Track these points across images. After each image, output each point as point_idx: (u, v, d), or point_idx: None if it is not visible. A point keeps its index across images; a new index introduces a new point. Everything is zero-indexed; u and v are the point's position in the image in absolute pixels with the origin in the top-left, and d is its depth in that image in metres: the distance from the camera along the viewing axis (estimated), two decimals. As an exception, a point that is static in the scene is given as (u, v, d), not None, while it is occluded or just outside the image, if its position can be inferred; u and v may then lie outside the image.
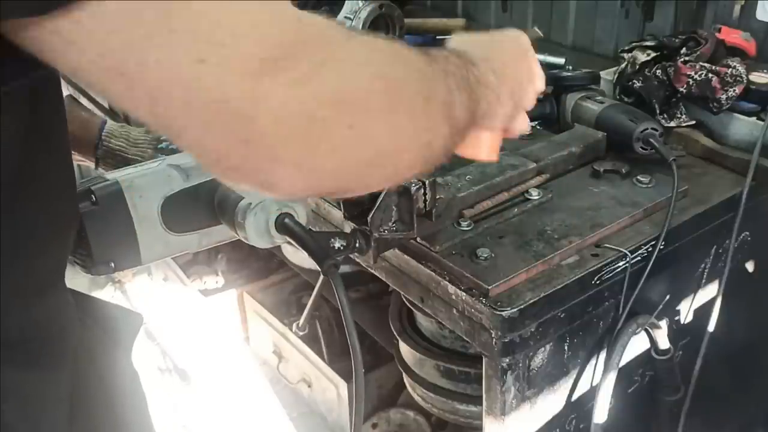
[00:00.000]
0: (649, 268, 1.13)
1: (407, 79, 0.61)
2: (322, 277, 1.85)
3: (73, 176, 0.70)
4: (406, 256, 1.12)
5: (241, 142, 0.51)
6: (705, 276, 1.33)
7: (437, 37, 2.12)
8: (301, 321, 1.95)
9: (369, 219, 0.95)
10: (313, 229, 0.82)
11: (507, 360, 1.05)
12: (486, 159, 0.91)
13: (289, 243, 0.78)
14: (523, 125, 0.91)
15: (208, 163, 0.54)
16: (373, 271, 1.23)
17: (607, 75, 1.54)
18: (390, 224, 0.99)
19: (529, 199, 1.19)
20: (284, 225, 0.77)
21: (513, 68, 0.85)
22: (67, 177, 0.68)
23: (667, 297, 1.24)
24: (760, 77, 1.39)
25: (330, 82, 0.52)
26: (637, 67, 1.45)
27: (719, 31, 1.52)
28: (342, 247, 0.88)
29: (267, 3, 0.52)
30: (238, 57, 0.48)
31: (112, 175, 0.81)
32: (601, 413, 1.18)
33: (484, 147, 0.89)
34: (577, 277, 1.06)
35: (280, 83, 0.50)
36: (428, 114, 0.64)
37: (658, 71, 1.41)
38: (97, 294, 0.82)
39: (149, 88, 0.48)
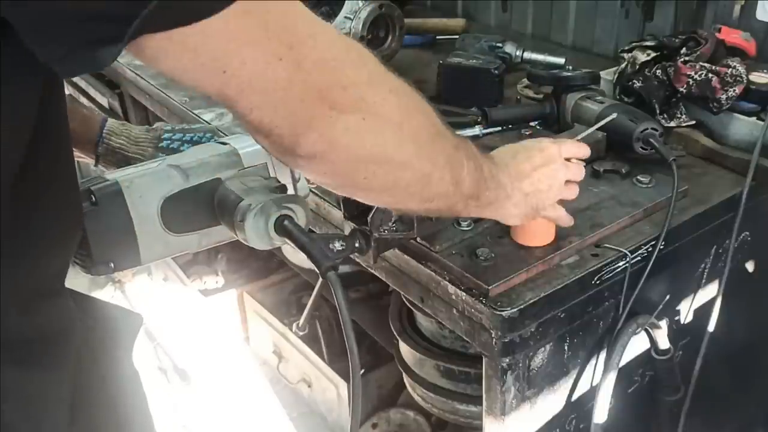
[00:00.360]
0: (649, 268, 1.13)
1: (420, 113, 0.74)
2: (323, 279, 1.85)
3: (76, 179, 0.70)
4: (406, 256, 1.12)
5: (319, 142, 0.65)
6: (705, 276, 1.33)
7: (437, 37, 2.12)
8: (301, 321, 1.95)
9: (369, 219, 0.95)
10: (313, 230, 0.82)
11: (507, 360, 1.05)
12: (541, 244, 1.08)
13: (288, 244, 0.78)
14: (554, 214, 1.03)
15: (274, 138, 0.64)
16: (373, 271, 1.23)
17: (607, 75, 1.54)
18: (390, 224, 0.99)
19: (529, 199, 1.19)
20: (284, 227, 0.77)
21: (531, 177, 0.96)
22: (71, 180, 0.68)
23: (667, 297, 1.24)
24: (760, 77, 1.39)
25: (357, 74, 0.66)
26: (637, 67, 1.44)
27: (719, 31, 1.52)
28: (341, 249, 0.88)
29: (345, 41, 0.67)
30: (305, 62, 0.61)
31: (112, 175, 0.81)
32: (601, 413, 1.18)
33: (536, 234, 1.08)
34: (577, 277, 1.06)
35: (342, 114, 0.65)
36: (432, 147, 0.77)
37: (658, 71, 1.41)
38: (97, 294, 0.82)
39: (241, 80, 0.59)
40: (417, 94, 0.75)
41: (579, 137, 1.22)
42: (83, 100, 2.46)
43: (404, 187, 0.76)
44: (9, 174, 0.57)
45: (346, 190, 0.79)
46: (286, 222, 0.77)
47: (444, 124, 0.79)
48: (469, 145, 0.85)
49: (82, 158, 1.11)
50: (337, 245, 0.88)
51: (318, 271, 0.73)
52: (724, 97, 1.34)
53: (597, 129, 1.28)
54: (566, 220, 1.06)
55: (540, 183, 0.97)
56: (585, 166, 1.05)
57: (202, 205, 0.83)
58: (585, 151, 1.05)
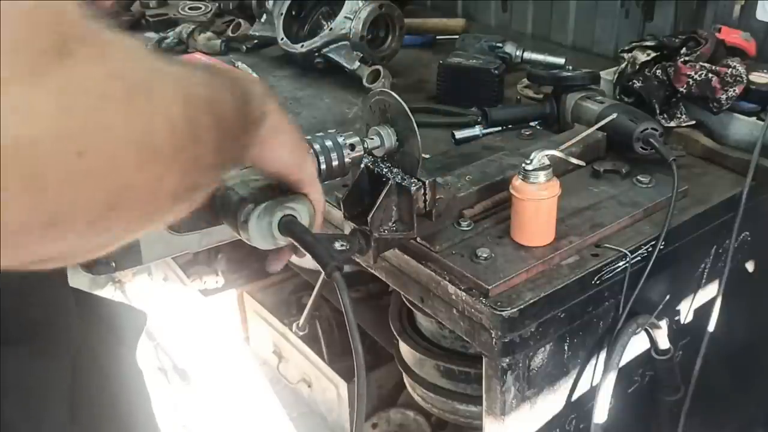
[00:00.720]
0: (649, 268, 1.13)
1: (156, 76, 0.47)
2: (322, 277, 1.85)
3: None
4: (406, 256, 1.12)
5: None
6: (705, 276, 1.33)
7: (437, 37, 2.13)
8: (301, 321, 1.95)
9: (369, 219, 0.95)
10: (316, 232, 0.82)
11: (507, 360, 1.05)
12: (541, 244, 1.06)
13: (293, 244, 0.78)
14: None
15: None
16: (373, 271, 1.23)
17: (607, 75, 1.54)
18: (390, 224, 0.99)
19: (529, 199, 1.19)
20: (287, 227, 0.77)
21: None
22: None
23: (667, 297, 1.24)
24: (760, 77, 1.39)
25: (49, 80, 0.38)
26: (637, 67, 1.45)
27: (719, 31, 1.52)
28: (344, 250, 0.88)
29: None
30: None
31: (113, 174, 0.81)
32: (601, 413, 1.19)
33: (536, 234, 1.06)
34: (577, 277, 1.06)
35: None
36: (189, 117, 0.48)
37: (658, 71, 1.41)
38: (98, 294, 0.82)
39: None
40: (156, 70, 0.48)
41: (579, 137, 1.23)
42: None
43: (169, 194, 0.49)
44: None
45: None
46: (290, 222, 0.77)
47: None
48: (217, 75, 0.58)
49: None
50: (340, 246, 0.88)
51: (323, 272, 0.73)
52: (724, 97, 1.34)
53: (597, 129, 1.28)
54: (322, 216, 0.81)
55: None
56: (585, 166, 1.06)
57: (204, 205, 0.83)
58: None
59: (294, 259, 0.88)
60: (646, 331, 1.23)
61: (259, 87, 0.67)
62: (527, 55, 1.83)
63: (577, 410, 1.23)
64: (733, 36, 1.51)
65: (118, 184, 0.42)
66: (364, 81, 1.73)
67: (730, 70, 1.34)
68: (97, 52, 0.41)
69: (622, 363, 1.18)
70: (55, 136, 0.38)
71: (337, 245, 0.88)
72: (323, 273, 0.74)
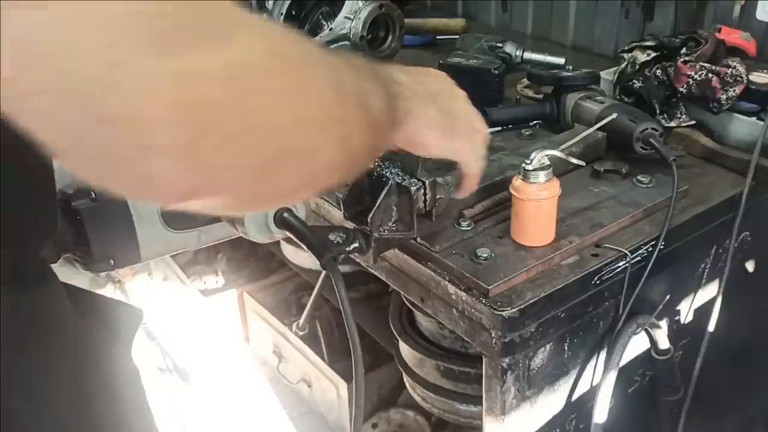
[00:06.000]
0: (649, 268, 1.12)
1: (309, 61, 0.52)
2: (322, 277, 1.85)
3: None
4: (406, 256, 1.12)
5: (99, 119, 0.39)
6: (705, 276, 1.33)
7: (437, 37, 2.13)
8: (301, 321, 1.96)
9: (369, 219, 0.95)
10: (313, 225, 0.82)
11: (507, 360, 1.05)
12: (541, 244, 1.07)
13: (288, 238, 0.78)
14: (475, 162, 0.91)
15: (62, 151, 0.42)
16: (373, 271, 1.23)
17: (607, 75, 1.54)
18: (390, 224, 0.99)
19: (529, 199, 1.19)
20: (283, 220, 0.77)
21: (426, 77, 0.82)
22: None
23: (667, 297, 1.24)
24: (760, 77, 1.39)
25: (215, 56, 0.43)
26: (637, 67, 1.45)
27: (719, 31, 1.52)
28: (341, 241, 0.88)
29: None
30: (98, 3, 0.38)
31: (112, 173, 0.81)
32: (601, 413, 1.18)
33: (536, 234, 1.04)
34: (577, 277, 1.06)
35: (147, 45, 0.39)
36: (341, 103, 0.54)
37: (658, 71, 1.41)
38: (99, 291, 0.82)
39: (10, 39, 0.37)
40: (287, 30, 0.52)
41: (579, 137, 1.23)
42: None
43: (325, 169, 0.55)
44: None
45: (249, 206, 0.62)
46: (285, 214, 0.77)
47: (321, 46, 0.61)
48: (355, 60, 0.64)
49: None
50: (337, 238, 0.88)
51: (318, 263, 0.73)
52: (724, 97, 1.34)
53: (597, 129, 1.28)
54: (474, 182, 0.92)
55: (436, 85, 0.83)
56: (585, 166, 1.05)
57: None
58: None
59: (294, 259, 0.89)
60: (646, 331, 1.23)
61: (401, 83, 0.74)
62: (527, 55, 1.83)
63: (577, 410, 1.23)
64: (733, 36, 1.51)
65: (281, 145, 0.48)
66: (364, 81, 1.72)
67: (730, 70, 1.34)
68: (257, 35, 0.47)
69: (622, 363, 1.18)
70: (229, 96, 0.43)
71: (335, 238, 0.88)
72: (322, 272, 0.74)
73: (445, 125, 0.82)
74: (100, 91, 0.38)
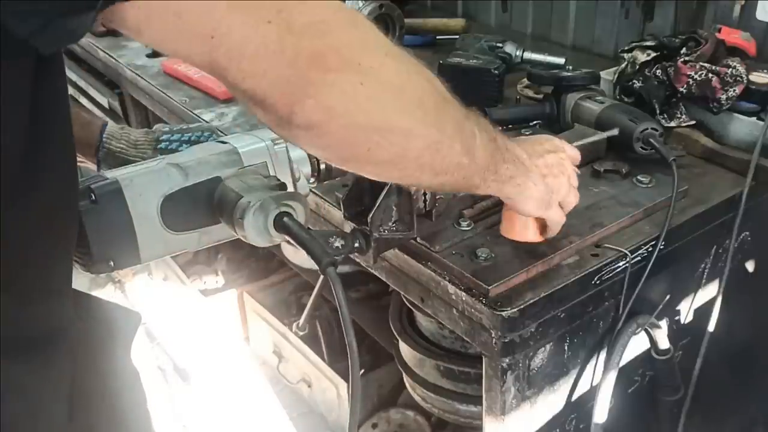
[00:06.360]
0: (649, 268, 1.12)
1: (422, 78, 0.71)
2: (322, 276, 1.85)
3: (77, 174, 0.69)
4: (406, 256, 1.12)
5: (285, 79, 0.61)
6: (705, 276, 1.33)
7: (437, 37, 2.12)
8: (301, 321, 1.95)
9: (369, 219, 0.95)
10: (312, 229, 0.82)
11: (507, 360, 1.05)
12: (533, 240, 1.05)
13: (288, 242, 0.78)
14: (565, 207, 1.00)
15: (282, 111, 0.62)
16: (373, 271, 1.22)
17: (607, 75, 1.54)
18: (390, 224, 0.99)
19: (529, 199, 1.19)
20: (283, 224, 0.77)
21: (545, 159, 0.94)
22: (71, 175, 0.67)
23: (667, 297, 1.24)
24: (760, 77, 1.39)
25: (349, 35, 0.64)
26: (637, 67, 1.44)
27: (719, 31, 1.52)
28: (341, 246, 0.88)
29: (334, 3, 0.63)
30: (294, 25, 0.59)
31: (112, 173, 0.81)
32: (601, 413, 1.18)
33: (531, 229, 1.03)
34: (577, 277, 1.06)
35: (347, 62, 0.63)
36: (438, 113, 0.72)
37: (658, 71, 1.41)
38: (98, 293, 0.82)
39: (231, 46, 0.58)
40: (418, 61, 0.71)
41: (579, 143, 1.22)
42: (83, 100, 2.46)
43: (413, 158, 0.71)
44: (6, 160, 0.55)
45: (350, 164, 0.74)
46: (285, 219, 0.77)
47: (450, 92, 0.75)
48: (480, 117, 0.81)
49: (84, 162, 1.12)
50: (337, 242, 0.88)
51: (318, 267, 0.73)
52: (724, 97, 1.34)
53: (596, 130, 1.28)
54: (560, 223, 1.03)
55: (553, 167, 0.95)
56: (585, 166, 1.05)
57: (202, 204, 0.83)
58: (579, 155, 1.04)
59: (294, 259, 0.90)
60: (646, 331, 1.23)
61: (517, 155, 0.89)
62: (527, 55, 1.83)
63: (577, 410, 1.23)
64: (733, 36, 1.51)
65: (383, 118, 0.67)
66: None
67: (730, 70, 1.34)
68: (397, 59, 0.68)
69: (622, 363, 1.18)
70: (399, 87, 0.68)
71: (336, 242, 0.88)
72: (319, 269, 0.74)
73: (546, 199, 0.94)
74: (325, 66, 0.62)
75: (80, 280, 0.68)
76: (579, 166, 1.25)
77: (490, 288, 1.01)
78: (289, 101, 0.62)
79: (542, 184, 0.92)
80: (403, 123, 0.68)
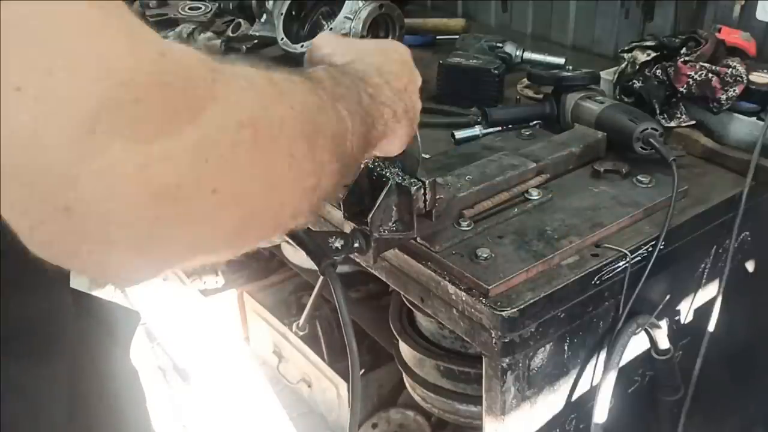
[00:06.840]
0: (649, 268, 1.12)
1: (285, 119, 0.52)
2: (322, 277, 1.85)
3: None
4: (406, 256, 1.12)
5: (59, 209, 0.39)
6: (705, 276, 1.33)
7: (437, 37, 2.13)
8: (301, 321, 1.96)
9: (369, 219, 0.95)
10: (312, 229, 0.82)
11: (507, 360, 1.05)
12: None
13: (287, 242, 0.78)
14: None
15: (21, 231, 0.41)
16: (373, 271, 1.23)
17: (607, 75, 1.54)
18: (390, 224, 0.99)
19: (529, 199, 1.19)
20: None
21: (405, 81, 0.81)
22: None
23: (667, 297, 1.24)
24: (760, 77, 1.39)
25: (186, 137, 0.43)
26: (637, 67, 1.45)
27: (719, 31, 1.52)
28: (340, 247, 0.88)
29: (126, 26, 0.41)
30: (65, 91, 0.38)
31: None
32: (601, 413, 1.18)
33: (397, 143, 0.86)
34: (577, 277, 1.06)
35: (117, 135, 0.39)
36: (313, 156, 0.55)
37: (658, 71, 1.41)
38: (98, 293, 0.81)
39: None
40: (268, 80, 0.54)
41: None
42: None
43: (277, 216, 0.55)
44: None
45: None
46: None
47: (310, 85, 0.60)
48: (344, 88, 0.66)
49: None
50: (336, 243, 0.88)
51: (317, 268, 0.73)
52: (724, 97, 1.34)
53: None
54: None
55: (412, 87, 0.82)
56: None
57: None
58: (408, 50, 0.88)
59: (294, 259, 0.89)
60: (646, 331, 1.23)
61: (380, 100, 0.74)
62: (527, 55, 1.83)
63: (577, 410, 1.23)
64: (733, 36, 1.51)
65: (246, 213, 0.49)
66: (364, 81, 1.72)
67: (730, 70, 1.34)
68: (232, 102, 0.47)
69: (622, 363, 1.18)
70: (194, 180, 0.43)
71: (335, 243, 0.88)
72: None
73: (411, 130, 0.83)
74: (61, 184, 0.39)
75: (80, 280, 0.68)
76: (579, 166, 1.25)
77: (490, 288, 1.01)
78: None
79: (405, 120, 0.80)
80: (273, 199, 0.52)
